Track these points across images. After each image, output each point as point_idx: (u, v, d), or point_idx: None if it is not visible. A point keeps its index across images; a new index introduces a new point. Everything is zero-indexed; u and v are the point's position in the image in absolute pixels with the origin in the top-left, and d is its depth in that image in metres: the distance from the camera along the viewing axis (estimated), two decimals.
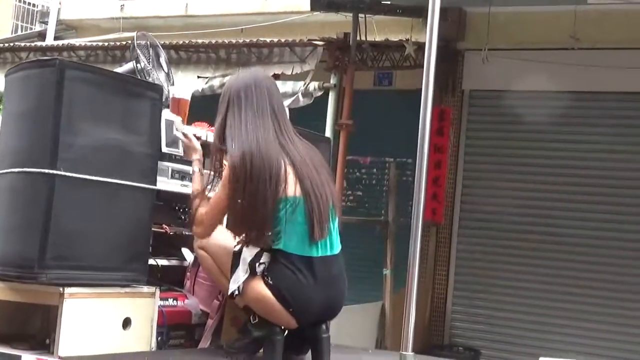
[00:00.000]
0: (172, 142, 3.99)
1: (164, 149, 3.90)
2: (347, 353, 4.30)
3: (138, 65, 4.16)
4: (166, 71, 4.30)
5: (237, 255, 3.58)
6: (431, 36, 3.87)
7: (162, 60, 4.34)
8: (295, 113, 5.67)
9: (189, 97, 4.27)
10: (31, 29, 18.81)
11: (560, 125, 8.60)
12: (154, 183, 3.67)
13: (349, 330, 7.22)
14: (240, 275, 3.50)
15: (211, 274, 3.88)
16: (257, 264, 3.49)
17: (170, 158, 4.01)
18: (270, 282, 3.48)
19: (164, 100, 3.90)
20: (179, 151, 4.05)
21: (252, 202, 3.46)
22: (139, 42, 4.28)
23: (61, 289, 3.27)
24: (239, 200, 3.47)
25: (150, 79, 4.16)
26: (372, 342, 8.36)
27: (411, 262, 3.75)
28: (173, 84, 4.36)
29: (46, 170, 3.23)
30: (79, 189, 3.32)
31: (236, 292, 3.54)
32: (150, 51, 4.29)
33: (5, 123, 3.51)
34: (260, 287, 3.49)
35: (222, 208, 3.59)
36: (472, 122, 9.20)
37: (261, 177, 3.43)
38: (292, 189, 3.50)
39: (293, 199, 3.50)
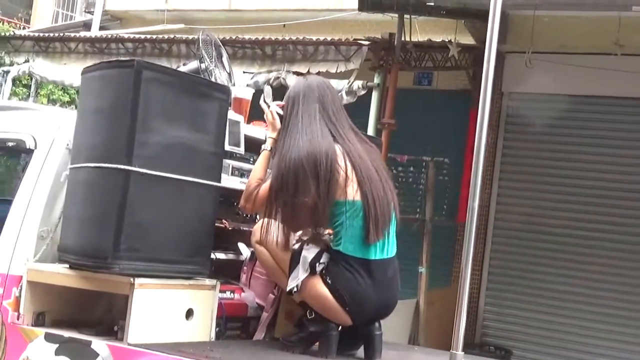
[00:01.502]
0: (234, 140, 4.13)
1: (227, 148, 4.04)
2: (397, 349, 4.43)
3: (202, 64, 4.31)
4: (228, 71, 4.45)
5: (296, 254, 3.72)
6: (491, 38, 3.96)
7: (225, 60, 4.49)
8: None
9: (250, 97, 4.41)
10: (72, 17, 19.10)
11: (599, 130, 8.69)
12: (219, 180, 3.82)
13: (384, 326, 7.37)
14: (301, 273, 3.65)
15: (268, 269, 4.02)
16: (317, 264, 3.63)
17: (232, 156, 4.16)
18: (329, 282, 3.62)
19: None
20: (240, 149, 4.19)
21: (308, 201, 3.59)
22: (204, 40, 4.42)
23: (132, 280, 3.43)
24: (292, 198, 3.60)
25: (213, 78, 4.31)
26: (406, 339, 8.48)
27: (464, 262, 3.84)
28: (234, 84, 4.51)
29: (122, 167, 3.39)
30: (151, 184, 3.47)
31: (295, 289, 3.68)
32: (214, 51, 4.43)
33: (81, 119, 3.68)
34: (319, 286, 3.63)
35: (268, 197, 3.71)
36: (510, 124, 9.29)
37: (326, 177, 3.55)
38: (352, 191, 3.62)
39: (352, 202, 3.62)
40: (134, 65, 3.45)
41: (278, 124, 3.84)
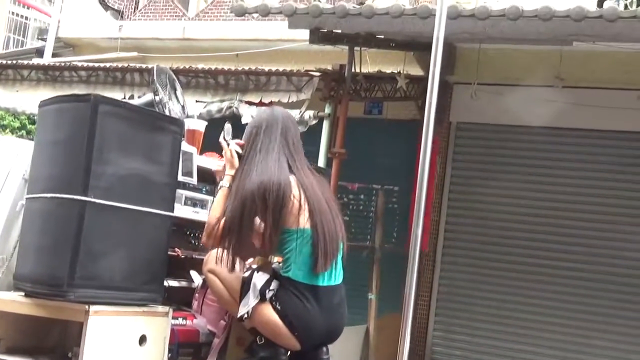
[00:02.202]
0: (187, 171, 4.26)
1: (180, 178, 4.17)
2: None
3: (156, 97, 4.44)
4: (182, 103, 4.58)
5: (247, 281, 3.85)
6: (434, 71, 4.18)
7: (178, 92, 4.62)
8: None
9: (203, 129, 4.55)
10: (24, 42, 19.05)
11: (543, 159, 8.93)
12: (172, 210, 3.95)
13: (333, 352, 7.48)
14: (251, 299, 3.78)
15: (219, 296, 4.13)
16: (267, 290, 3.77)
17: (185, 186, 4.28)
18: (278, 308, 3.76)
19: None
20: (193, 180, 4.32)
21: (257, 230, 3.75)
22: (158, 73, 4.55)
23: (87, 307, 3.53)
24: (243, 228, 3.74)
25: (167, 110, 4.45)
26: None
27: (407, 289, 4.02)
28: (188, 116, 4.64)
29: (78, 197, 3.50)
30: (106, 214, 3.59)
31: (245, 316, 3.81)
32: (168, 83, 4.56)
33: (38, 150, 3.78)
34: (268, 312, 3.77)
35: (222, 229, 3.83)
36: (459, 153, 9.50)
37: (276, 207, 3.70)
38: (304, 220, 3.77)
39: (303, 230, 3.77)
40: (90, 100, 3.57)
41: (236, 162, 3.96)
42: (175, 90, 4.63)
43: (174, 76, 4.69)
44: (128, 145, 3.68)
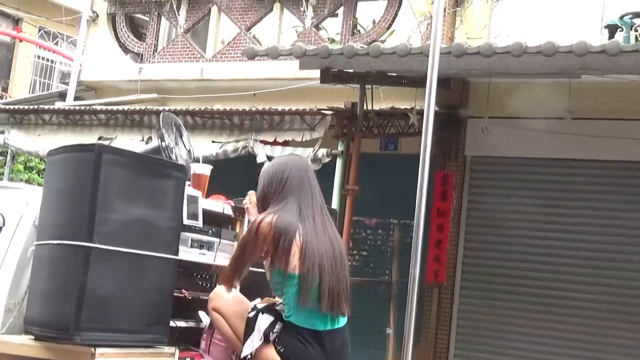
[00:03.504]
0: (192, 215, 4.39)
1: (185, 222, 4.30)
2: None
3: (163, 143, 4.58)
4: (188, 149, 4.72)
5: (252, 321, 3.94)
6: (429, 106, 4.29)
7: (185, 138, 4.77)
8: None
9: (208, 173, 4.68)
10: (49, 84, 19.44)
11: (556, 191, 8.99)
12: (176, 253, 4.07)
13: None
14: (256, 340, 3.87)
15: (224, 334, 4.22)
16: (270, 333, 3.86)
17: (190, 229, 4.41)
18: (281, 351, 3.85)
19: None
20: (199, 223, 4.44)
21: (272, 267, 3.87)
22: (164, 120, 4.70)
23: (93, 350, 3.66)
24: (247, 257, 3.87)
25: (173, 156, 4.59)
26: None
27: (407, 322, 4.10)
28: (194, 160, 4.78)
29: (84, 244, 3.64)
30: (111, 259, 3.73)
31: (249, 357, 3.90)
32: (174, 129, 4.71)
33: (46, 198, 3.94)
34: (271, 354, 3.86)
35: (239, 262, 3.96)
36: (474, 186, 9.57)
37: (282, 251, 3.81)
38: (300, 265, 3.85)
39: (297, 275, 3.85)
40: (94, 149, 3.72)
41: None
42: (181, 135, 4.78)
43: (179, 122, 4.83)
44: (131, 192, 3.82)
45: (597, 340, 8.64)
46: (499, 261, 9.27)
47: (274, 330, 3.90)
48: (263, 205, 4.02)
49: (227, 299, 4.13)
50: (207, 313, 4.41)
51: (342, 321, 4.05)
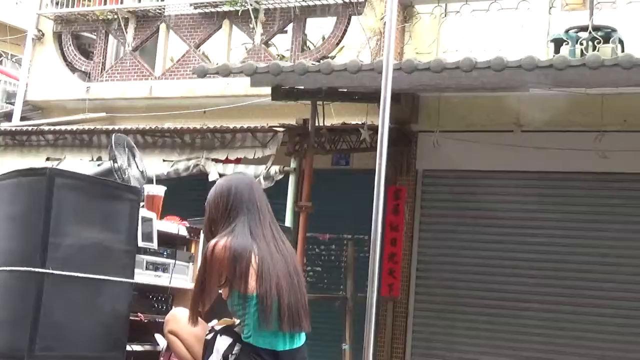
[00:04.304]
0: (147, 236, 4.33)
1: (140, 244, 4.24)
2: None
3: (115, 164, 4.52)
4: (141, 170, 4.67)
5: (210, 344, 3.89)
6: (383, 122, 4.30)
7: (137, 159, 4.71)
8: None
9: (162, 194, 4.64)
10: None
11: (508, 202, 9.09)
12: (132, 276, 4.01)
13: None
14: None
15: (181, 358, 4.17)
16: (230, 355, 3.82)
17: (146, 251, 4.35)
18: None
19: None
20: (154, 245, 4.39)
21: (215, 288, 3.82)
22: (116, 141, 4.65)
23: None
24: (215, 281, 3.81)
25: (126, 177, 4.53)
26: None
27: (366, 337, 4.10)
28: (147, 181, 4.73)
29: (37, 270, 3.57)
30: (65, 285, 3.66)
31: None
32: (127, 151, 4.65)
33: None
34: None
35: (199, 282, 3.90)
36: (426, 200, 9.64)
37: (240, 274, 3.77)
38: (257, 286, 3.81)
39: (261, 296, 3.81)
40: (46, 173, 3.66)
41: None
42: (134, 156, 4.72)
43: (132, 143, 4.78)
44: (85, 216, 3.76)
45: (553, 349, 8.72)
46: (453, 274, 9.33)
47: (233, 352, 3.85)
48: (212, 231, 3.94)
49: (183, 322, 4.07)
50: (164, 336, 4.35)
51: (301, 340, 4.02)
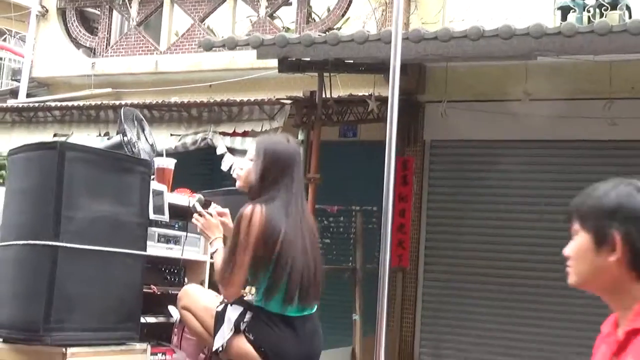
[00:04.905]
0: (158, 209, 4.34)
1: (152, 216, 4.25)
2: None
3: (125, 138, 4.52)
4: (150, 143, 4.67)
5: (221, 314, 3.92)
6: (393, 92, 4.29)
7: (147, 132, 4.71)
8: None
9: (172, 167, 4.64)
10: None
11: (515, 172, 9.08)
12: (144, 249, 4.03)
13: None
14: (226, 332, 3.85)
15: (194, 331, 4.20)
16: (241, 323, 3.85)
17: (157, 224, 4.36)
18: (252, 338, 3.84)
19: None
20: (165, 217, 4.40)
21: (251, 257, 3.83)
22: (125, 115, 4.64)
23: (64, 350, 3.60)
24: (241, 253, 3.82)
25: (135, 150, 4.53)
26: None
27: (380, 307, 4.12)
28: (157, 154, 4.73)
29: (50, 243, 3.58)
30: (78, 258, 3.67)
31: (220, 349, 3.88)
32: (136, 124, 4.65)
33: (9, 199, 3.86)
34: (242, 343, 3.85)
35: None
36: (434, 170, 9.63)
37: (258, 237, 3.78)
38: (277, 257, 3.83)
39: (273, 265, 3.84)
40: (57, 147, 3.66)
41: (221, 229, 4.05)
42: (143, 129, 4.72)
43: (141, 117, 4.77)
44: (96, 189, 3.77)
45: (562, 317, 8.73)
46: (461, 244, 9.34)
47: (244, 320, 3.88)
48: (260, 184, 3.93)
49: (196, 297, 4.10)
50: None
51: (313, 308, 4.05)
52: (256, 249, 3.80)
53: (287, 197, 3.91)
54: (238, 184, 4.08)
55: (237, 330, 3.85)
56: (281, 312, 3.87)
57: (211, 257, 4.15)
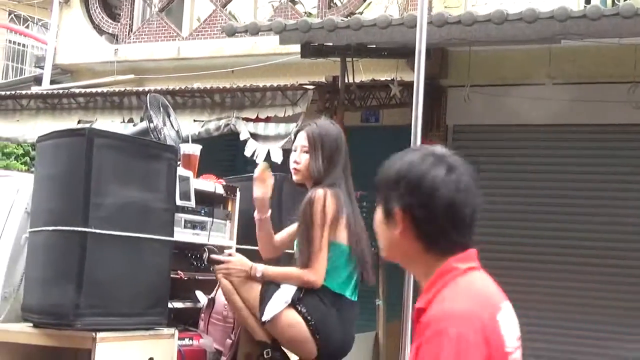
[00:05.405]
0: (185, 195, 4.37)
1: (178, 202, 4.28)
2: None
3: (151, 124, 4.55)
4: (176, 129, 4.69)
5: (271, 288, 3.93)
6: (418, 77, 4.29)
7: (172, 118, 4.73)
8: (289, 154, 6.07)
9: (198, 153, 4.66)
10: (22, 69, 19.23)
11: (539, 157, 9.03)
12: (172, 235, 4.05)
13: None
14: (280, 304, 3.87)
15: (232, 303, 4.15)
16: (297, 296, 3.88)
17: (184, 210, 4.39)
18: (303, 311, 3.88)
19: None
20: (191, 203, 4.42)
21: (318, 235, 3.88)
22: (151, 101, 4.67)
23: (94, 334, 3.64)
24: (319, 236, 3.87)
25: (162, 137, 4.56)
26: None
27: (406, 293, 4.14)
28: (183, 140, 4.75)
29: (79, 229, 3.62)
30: (107, 244, 3.71)
31: (268, 319, 3.89)
32: (162, 110, 4.67)
33: (38, 185, 3.90)
34: (293, 315, 3.88)
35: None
36: (456, 155, 9.58)
37: (334, 218, 3.86)
38: (344, 237, 3.91)
39: (346, 246, 3.91)
40: (85, 134, 3.69)
41: (246, 259, 4.06)
42: (169, 116, 4.74)
43: (167, 103, 4.79)
44: (124, 175, 3.80)
45: (588, 302, 8.71)
46: (484, 228, 9.25)
47: (301, 295, 3.92)
48: (326, 171, 4.00)
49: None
50: (206, 293, 4.40)
51: (357, 296, 4.10)
52: (330, 229, 3.86)
53: (345, 180, 4.06)
54: (296, 178, 4.13)
55: (292, 302, 3.88)
56: (338, 291, 3.91)
57: (264, 280, 4.11)
